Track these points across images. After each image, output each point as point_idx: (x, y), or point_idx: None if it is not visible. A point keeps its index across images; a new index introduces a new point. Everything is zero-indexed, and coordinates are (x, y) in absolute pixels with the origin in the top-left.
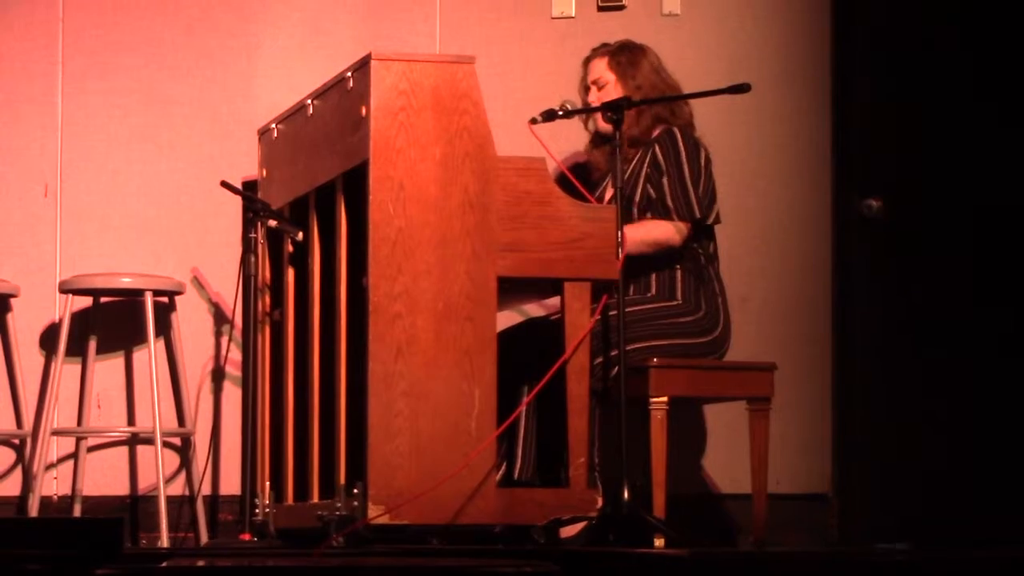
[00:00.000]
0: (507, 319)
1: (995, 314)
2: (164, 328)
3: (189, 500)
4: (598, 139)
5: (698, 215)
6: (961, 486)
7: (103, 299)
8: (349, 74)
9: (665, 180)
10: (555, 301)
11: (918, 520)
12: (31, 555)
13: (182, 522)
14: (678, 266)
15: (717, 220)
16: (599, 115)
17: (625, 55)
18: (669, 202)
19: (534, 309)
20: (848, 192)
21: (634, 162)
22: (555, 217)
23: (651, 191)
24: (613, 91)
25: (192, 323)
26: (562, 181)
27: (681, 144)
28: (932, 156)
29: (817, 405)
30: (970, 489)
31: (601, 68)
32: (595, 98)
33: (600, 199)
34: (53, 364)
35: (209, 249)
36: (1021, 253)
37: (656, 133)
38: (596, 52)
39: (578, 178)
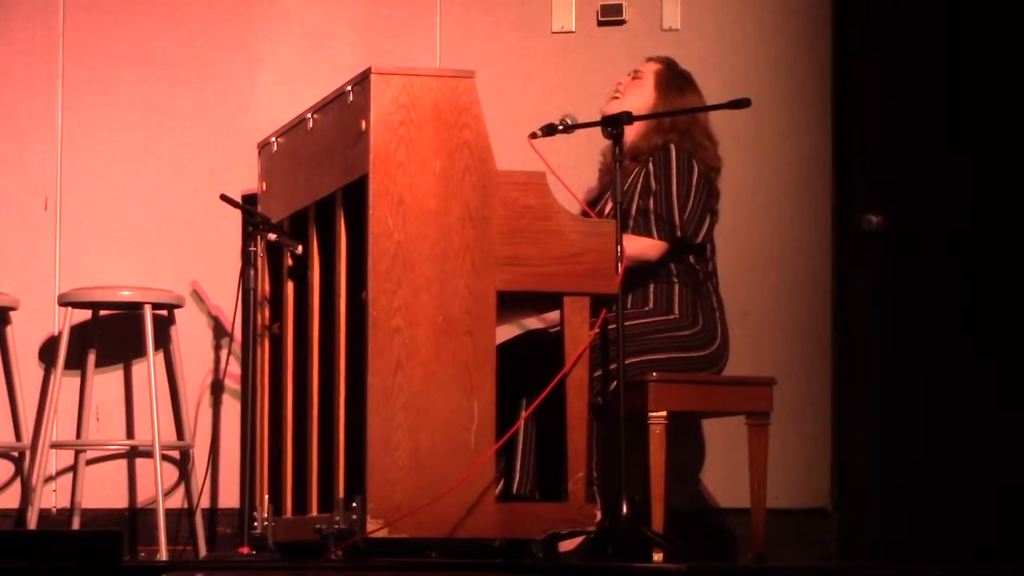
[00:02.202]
0: (506, 332)
1: (996, 329)
2: (163, 341)
3: (188, 513)
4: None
5: (679, 234)
6: (962, 501)
7: (102, 312)
8: (349, 88)
9: (652, 199)
10: (554, 315)
11: (917, 535)
12: (30, 568)
13: (181, 535)
14: (676, 280)
15: (707, 240)
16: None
17: (678, 80)
18: (652, 221)
19: (533, 323)
20: (848, 207)
21: (631, 176)
22: (555, 232)
23: (640, 207)
24: (642, 92)
25: (191, 336)
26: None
27: (674, 161)
28: (932, 171)
29: (816, 420)
30: (970, 504)
31: (650, 70)
32: (625, 82)
33: (601, 213)
34: (52, 377)
35: (208, 262)
36: (1021, 269)
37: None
38: (659, 58)
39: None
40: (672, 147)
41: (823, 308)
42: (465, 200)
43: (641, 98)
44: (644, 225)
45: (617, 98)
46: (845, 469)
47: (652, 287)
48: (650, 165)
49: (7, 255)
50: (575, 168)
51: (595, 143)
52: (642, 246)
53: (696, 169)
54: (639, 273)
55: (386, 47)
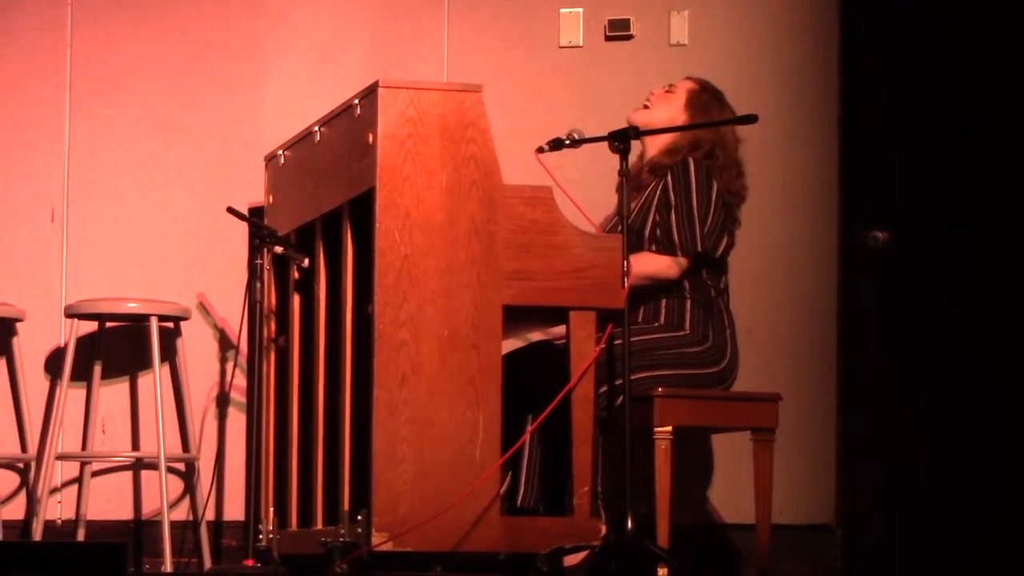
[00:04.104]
0: (511, 346)
1: (1000, 346)
2: (169, 353)
3: (193, 525)
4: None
5: (701, 249)
6: (965, 517)
7: (108, 324)
8: (356, 101)
9: (672, 213)
10: (560, 330)
11: (921, 551)
12: None
13: (186, 547)
14: (688, 296)
15: (725, 254)
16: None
17: (710, 100)
18: (675, 236)
19: (538, 337)
20: (854, 223)
21: (647, 191)
22: (561, 246)
23: (660, 222)
24: (671, 106)
25: (197, 348)
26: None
27: (693, 175)
28: (938, 188)
29: (821, 436)
30: (974, 520)
31: (684, 87)
32: (657, 93)
33: (616, 229)
34: (58, 388)
35: (215, 275)
36: None
37: (670, 161)
38: (696, 78)
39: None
40: (691, 160)
41: (828, 324)
42: (471, 214)
43: (669, 112)
44: (665, 242)
45: (647, 107)
46: (849, 485)
47: (664, 302)
48: (668, 178)
49: (14, 266)
50: (582, 183)
51: (602, 158)
52: (662, 265)
53: (715, 185)
54: (652, 287)
55: (394, 61)
